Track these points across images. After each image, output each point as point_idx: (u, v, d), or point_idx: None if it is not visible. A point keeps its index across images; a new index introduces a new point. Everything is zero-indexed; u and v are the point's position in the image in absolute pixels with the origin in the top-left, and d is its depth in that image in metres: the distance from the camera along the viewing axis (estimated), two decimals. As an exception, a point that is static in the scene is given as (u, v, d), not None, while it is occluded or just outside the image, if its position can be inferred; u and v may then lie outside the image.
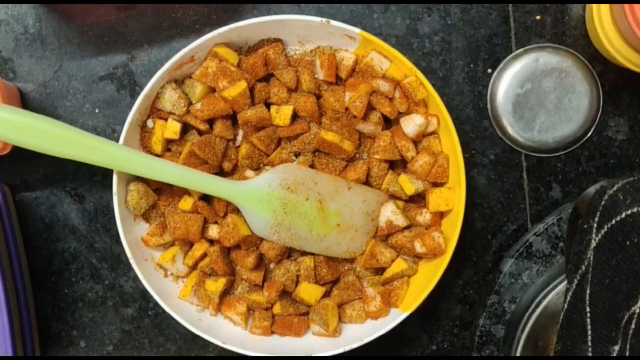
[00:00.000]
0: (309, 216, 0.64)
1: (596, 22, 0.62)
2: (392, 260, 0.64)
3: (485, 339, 0.66)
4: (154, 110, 0.64)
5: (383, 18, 0.67)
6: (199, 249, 0.64)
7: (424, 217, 0.64)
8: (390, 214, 0.64)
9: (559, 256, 0.64)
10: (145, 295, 0.69)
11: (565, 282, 0.58)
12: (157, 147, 0.64)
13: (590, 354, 0.51)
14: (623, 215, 0.49)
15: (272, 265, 0.66)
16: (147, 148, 0.65)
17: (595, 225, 0.51)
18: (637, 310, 0.48)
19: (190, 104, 0.64)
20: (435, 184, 0.64)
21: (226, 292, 0.66)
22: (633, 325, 0.48)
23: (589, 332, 0.51)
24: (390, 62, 0.63)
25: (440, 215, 0.64)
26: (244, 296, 0.65)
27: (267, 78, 0.65)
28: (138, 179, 0.64)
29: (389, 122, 0.65)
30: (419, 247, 0.63)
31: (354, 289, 0.65)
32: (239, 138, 0.65)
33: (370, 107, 0.64)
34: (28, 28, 0.68)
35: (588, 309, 0.51)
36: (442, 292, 0.68)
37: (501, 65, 0.67)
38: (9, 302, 0.63)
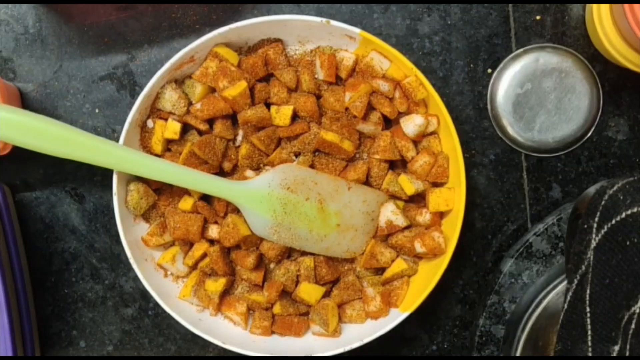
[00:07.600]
0: (309, 216, 0.64)
1: (596, 22, 0.62)
2: (392, 260, 0.64)
3: (485, 339, 0.66)
4: (154, 110, 0.64)
5: (383, 18, 0.67)
6: (199, 249, 0.64)
7: (424, 217, 0.64)
8: (390, 214, 0.64)
9: (559, 256, 0.64)
10: (145, 295, 0.69)
11: (565, 282, 0.58)
12: (157, 147, 0.64)
13: (590, 354, 0.51)
14: (623, 215, 0.49)
15: (272, 265, 0.66)
16: (147, 148, 0.65)
17: (595, 225, 0.51)
18: (637, 310, 0.48)
19: (190, 104, 0.64)
20: (435, 184, 0.64)
21: (226, 292, 0.66)
22: (633, 325, 0.48)
23: (589, 332, 0.51)
24: (390, 62, 0.63)
25: (440, 215, 0.64)
26: (244, 296, 0.65)
27: (267, 78, 0.65)
28: (138, 179, 0.64)
29: (389, 122, 0.65)
30: (419, 247, 0.63)
31: (354, 289, 0.65)
32: (239, 138, 0.65)
33: (370, 107, 0.64)
34: (28, 28, 0.68)
35: (588, 309, 0.51)
36: (442, 292, 0.68)
37: (501, 65, 0.67)
38: (9, 302, 0.63)
